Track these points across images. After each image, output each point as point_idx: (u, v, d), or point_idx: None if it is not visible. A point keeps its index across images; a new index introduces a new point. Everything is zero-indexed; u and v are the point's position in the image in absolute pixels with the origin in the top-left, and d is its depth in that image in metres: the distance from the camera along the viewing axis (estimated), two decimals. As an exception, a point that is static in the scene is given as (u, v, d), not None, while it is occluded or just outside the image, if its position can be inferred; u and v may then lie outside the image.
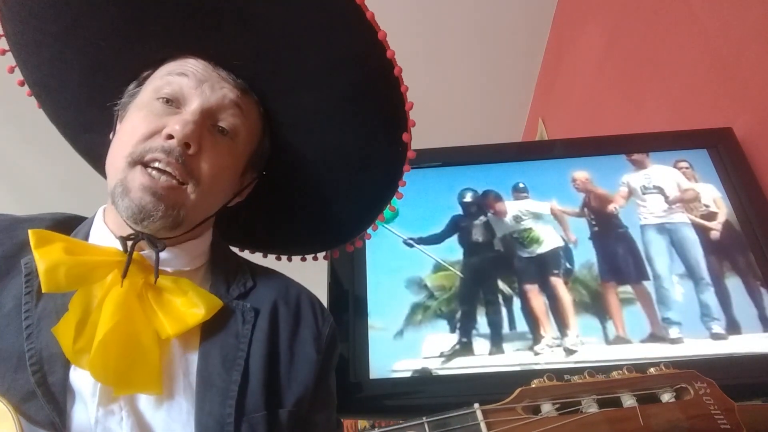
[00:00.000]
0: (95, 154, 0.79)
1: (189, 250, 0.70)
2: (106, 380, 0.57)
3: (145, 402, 0.59)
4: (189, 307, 0.62)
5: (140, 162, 0.62)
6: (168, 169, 0.62)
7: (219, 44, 0.69)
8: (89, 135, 0.79)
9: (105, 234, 0.68)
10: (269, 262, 0.82)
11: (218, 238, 0.78)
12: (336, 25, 0.66)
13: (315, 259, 0.89)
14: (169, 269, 0.67)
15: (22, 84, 0.74)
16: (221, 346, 0.64)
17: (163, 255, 0.64)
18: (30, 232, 0.60)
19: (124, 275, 0.60)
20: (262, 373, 0.64)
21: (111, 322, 0.57)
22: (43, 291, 0.58)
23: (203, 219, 0.69)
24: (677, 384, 0.52)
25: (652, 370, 0.54)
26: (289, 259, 0.87)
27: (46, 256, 0.58)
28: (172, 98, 0.66)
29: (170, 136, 0.62)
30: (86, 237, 0.69)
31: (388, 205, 0.82)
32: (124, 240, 0.63)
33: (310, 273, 0.96)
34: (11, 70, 0.74)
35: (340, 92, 0.71)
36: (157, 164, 0.62)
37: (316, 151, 0.77)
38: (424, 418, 0.50)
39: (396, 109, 0.71)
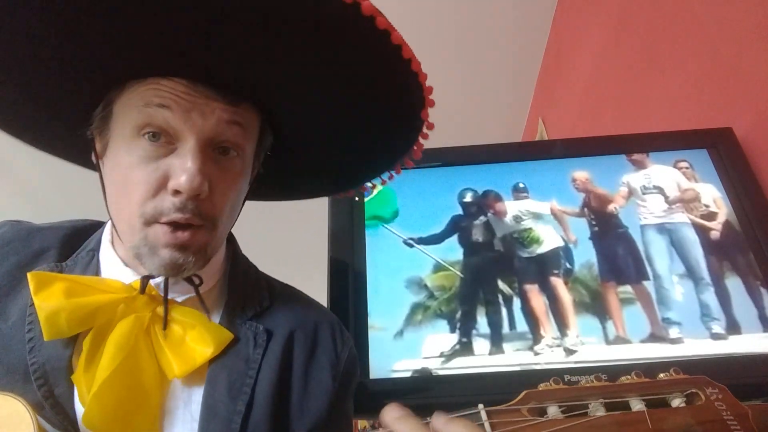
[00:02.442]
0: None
1: (203, 272, 0.67)
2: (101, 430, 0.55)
3: None
4: (197, 343, 0.60)
5: (156, 222, 0.58)
6: (186, 223, 0.58)
7: (203, 62, 0.57)
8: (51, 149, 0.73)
9: (116, 264, 0.64)
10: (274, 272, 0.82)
11: (240, 252, 0.75)
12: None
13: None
14: (179, 298, 0.64)
15: None
16: (229, 371, 0.61)
17: (177, 285, 0.63)
18: (29, 275, 0.57)
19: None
20: (269, 403, 0.61)
21: (111, 367, 0.55)
22: (45, 339, 0.56)
23: (224, 240, 0.68)
24: (687, 389, 0.51)
25: (661, 375, 0.52)
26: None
27: (46, 301, 0.56)
28: (160, 132, 0.57)
29: (178, 192, 0.57)
30: (97, 249, 0.66)
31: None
32: (146, 280, 0.61)
33: (310, 273, 0.95)
34: None
35: (334, 73, 0.61)
36: (175, 223, 0.58)
37: (318, 123, 0.69)
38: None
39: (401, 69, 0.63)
